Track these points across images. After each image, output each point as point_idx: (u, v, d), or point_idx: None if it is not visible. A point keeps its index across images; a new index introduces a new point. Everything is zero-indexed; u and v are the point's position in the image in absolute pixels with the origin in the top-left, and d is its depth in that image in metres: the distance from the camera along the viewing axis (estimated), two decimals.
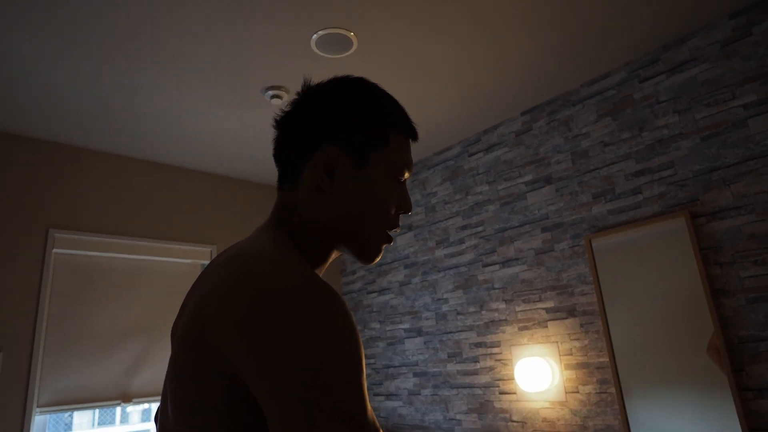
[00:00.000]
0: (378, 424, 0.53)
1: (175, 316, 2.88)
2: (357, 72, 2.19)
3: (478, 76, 2.31)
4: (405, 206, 0.75)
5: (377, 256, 0.74)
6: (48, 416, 2.25)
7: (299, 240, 0.71)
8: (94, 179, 2.71)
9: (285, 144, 0.73)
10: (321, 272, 0.76)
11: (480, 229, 2.78)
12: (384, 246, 0.75)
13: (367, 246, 0.72)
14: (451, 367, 2.78)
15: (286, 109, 0.76)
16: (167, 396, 0.63)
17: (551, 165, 2.51)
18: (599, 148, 2.33)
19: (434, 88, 2.39)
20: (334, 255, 0.76)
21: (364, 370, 0.54)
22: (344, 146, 0.70)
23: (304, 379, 0.48)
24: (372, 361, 3.26)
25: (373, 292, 3.36)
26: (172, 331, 0.73)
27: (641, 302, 2.06)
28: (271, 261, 0.57)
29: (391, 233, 0.78)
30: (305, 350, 0.49)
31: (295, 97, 0.76)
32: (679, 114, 2.09)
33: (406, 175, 0.77)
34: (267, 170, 3.23)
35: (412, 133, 0.77)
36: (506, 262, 2.62)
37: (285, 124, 0.73)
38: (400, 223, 0.80)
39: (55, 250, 2.52)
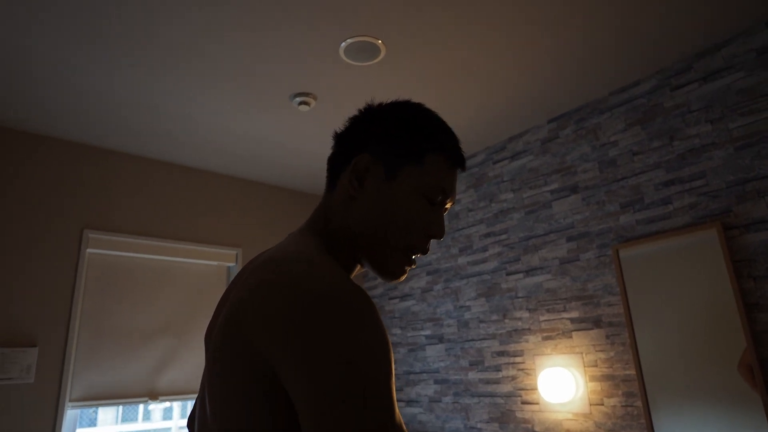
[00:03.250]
0: (405, 429, 0.53)
1: (201, 317, 2.93)
2: (384, 79, 2.22)
3: (506, 83, 2.31)
4: (434, 231, 0.72)
5: (398, 275, 0.73)
6: (79, 411, 2.34)
7: (330, 246, 0.73)
8: (126, 182, 2.80)
9: (334, 153, 0.77)
10: None
11: (504, 237, 2.77)
12: (407, 268, 0.73)
13: (385, 260, 0.71)
14: (473, 375, 2.77)
15: (345, 125, 0.80)
16: (204, 397, 0.65)
17: (578, 173, 2.48)
18: (628, 157, 2.30)
19: (461, 95, 2.39)
20: (358, 269, 0.77)
21: (393, 374, 0.55)
22: (380, 157, 0.72)
23: (336, 376, 0.50)
24: (393, 366, 3.26)
25: (395, 297, 3.36)
26: (206, 333, 0.76)
27: (669, 315, 2.01)
28: (308, 263, 0.59)
29: (423, 253, 0.77)
30: (339, 349, 0.51)
31: (355, 113, 0.79)
32: (711, 123, 2.04)
33: (448, 204, 0.76)
34: (294, 176, 3.28)
35: (454, 160, 0.75)
36: (530, 271, 2.60)
37: (339, 137, 0.78)
38: (428, 248, 0.79)
39: (89, 250, 2.60)
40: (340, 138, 0.77)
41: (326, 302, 0.53)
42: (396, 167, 0.71)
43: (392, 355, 0.56)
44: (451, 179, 0.74)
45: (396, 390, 3.20)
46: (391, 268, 0.72)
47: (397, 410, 0.53)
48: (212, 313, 2.96)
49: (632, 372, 2.12)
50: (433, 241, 3.17)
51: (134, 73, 2.08)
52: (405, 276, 0.74)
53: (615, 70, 2.23)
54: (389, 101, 0.85)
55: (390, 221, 0.70)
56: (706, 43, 2.06)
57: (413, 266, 0.75)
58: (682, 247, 2.02)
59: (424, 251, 0.73)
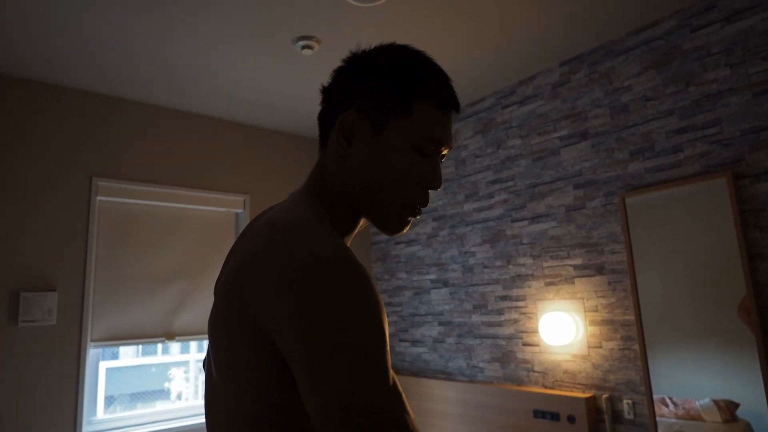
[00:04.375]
0: (400, 389, 0.56)
1: (212, 263, 3.01)
2: (389, 21, 2.13)
3: (516, 24, 2.20)
4: (428, 182, 0.70)
5: (400, 228, 0.71)
6: (101, 350, 2.47)
7: (329, 206, 0.72)
8: (133, 130, 2.78)
9: (322, 110, 0.75)
10: (350, 238, 0.76)
11: (510, 183, 2.76)
12: (409, 219, 0.71)
13: (385, 217, 0.70)
14: (476, 318, 2.86)
15: (330, 79, 0.77)
16: (209, 352, 0.69)
17: (588, 119, 2.43)
18: (641, 102, 2.23)
19: (469, 36, 2.30)
20: (363, 223, 0.76)
21: (387, 337, 0.56)
22: (365, 111, 0.69)
23: (329, 338, 0.52)
24: (398, 308, 3.37)
25: (401, 243, 3.41)
26: (215, 288, 0.79)
27: (672, 262, 2.04)
28: (303, 231, 0.60)
29: (422, 205, 0.74)
30: (331, 312, 0.53)
31: (340, 64, 0.76)
32: (731, 68, 1.96)
33: (444, 151, 0.72)
34: (299, 121, 3.24)
35: (445, 104, 0.70)
36: (536, 218, 2.61)
37: (324, 92, 0.75)
38: (427, 199, 0.76)
39: (99, 198, 2.63)
40: (325, 93, 0.74)
41: (318, 268, 0.55)
42: (382, 121, 0.68)
43: (385, 319, 0.57)
44: (444, 126, 0.70)
45: (401, 330, 3.32)
46: (392, 224, 0.70)
47: (390, 371, 0.55)
48: (223, 259, 3.04)
49: (631, 317, 2.18)
50: (439, 188, 3.16)
51: (140, 20, 2.01)
52: (408, 228, 0.73)
53: (633, 9, 2.12)
54: (374, 47, 0.80)
55: (381, 179, 0.68)
56: None
57: (417, 216, 0.72)
58: (689, 196, 2.01)
59: (424, 203, 0.70)
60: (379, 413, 0.51)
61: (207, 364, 0.72)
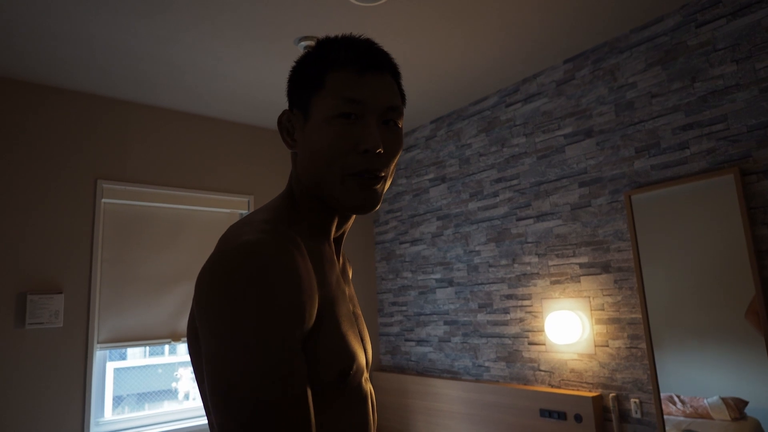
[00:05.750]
0: (304, 399, 0.54)
1: None
2: (391, 20, 2.12)
3: (520, 20, 2.19)
4: (362, 144, 0.66)
5: (360, 202, 0.67)
6: (108, 351, 2.48)
7: (300, 206, 0.73)
8: (137, 131, 2.79)
9: None
10: (331, 233, 0.74)
11: (515, 182, 2.75)
12: (371, 188, 0.68)
13: (335, 196, 0.68)
14: (482, 317, 2.85)
15: None
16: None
17: (593, 117, 2.41)
18: (646, 99, 2.22)
19: (472, 34, 2.29)
20: (340, 215, 0.74)
21: (292, 336, 0.54)
22: (294, 105, 0.73)
23: (223, 334, 0.53)
24: (404, 308, 3.37)
25: (406, 242, 3.41)
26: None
27: (680, 260, 2.02)
28: (244, 232, 0.61)
29: (369, 171, 0.69)
30: (227, 308, 0.54)
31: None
32: (737, 63, 1.94)
33: (380, 109, 0.68)
34: None
35: (355, 64, 0.68)
36: (541, 217, 2.60)
37: None
38: (375, 164, 0.69)
39: (103, 200, 2.65)
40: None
41: (228, 262, 0.56)
42: (306, 106, 0.70)
43: (293, 315, 0.55)
44: (366, 84, 0.67)
45: (407, 330, 3.32)
46: (343, 200, 0.67)
47: (291, 380, 0.53)
48: None
49: (638, 315, 2.17)
50: (443, 187, 3.16)
51: (144, 23, 2.02)
52: (376, 203, 0.69)
53: (638, 5, 2.10)
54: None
55: (315, 159, 0.68)
56: None
57: (374, 185, 0.68)
58: (696, 193, 1.99)
59: (367, 168, 0.66)
60: (255, 398, 0.51)
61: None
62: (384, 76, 0.70)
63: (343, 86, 0.67)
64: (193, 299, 0.60)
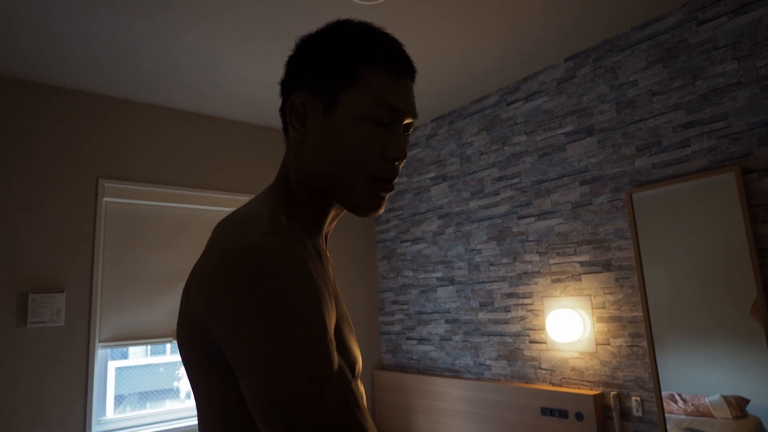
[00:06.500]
0: (348, 375, 0.54)
1: None
2: (393, 18, 2.12)
3: (521, 18, 2.19)
4: (391, 153, 0.64)
5: (372, 206, 0.66)
6: (109, 350, 2.49)
7: (290, 199, 0.69)
8: (139, 130, 2.79)
9: (281, 103, 0.73)
10: (324, 227, 0.72)
11: (516, 180, 2.75)
12: (383, 195, 0.67)
13: (353, 196, 0.66)
14: (483, 316, 2.85)
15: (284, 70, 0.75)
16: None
17: (594, 115, 2.41)
18: (647, 97, 2.21)
19: (473, 32, 2.29)
20: (335, 211, 0.73)
21: (327, 325, 0.54)
22: (314, 90, 0.66)
23: (262, 338, 0.51)
24: (405, 307, 3.37)
25: (407, 241, 3.41)
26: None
27: (681, 258, 2.02)
28: (243, 229, 0.59)
29: (392, 179, 0.69)
30: (262, 310, 0.52)
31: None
32: (738, 61, 1.94)
33: (407, 121, 0.67)
34: None
35: (394, 68, 0.65)
36: (542, 215, 2.60)
37: (281, 83, 0.72)
38: (395, 173, 0.68)
39: (105, 199, 2.65)
40: (282, 85, 0.71)
41: (245, 265, 0.54)
42: (332, 97, 0.64)
43: (323, 307, 0.55)
44: (400, 91, 0.65)
45: (408, 329, 3.32)
46: (359, 203, 0.66)
47: (334, 359, 0.53)
48: None
49: (639, 314, 2.17)
50: (444, 185, 3.16)
51: (147, 23, 2.02)
52: (382, 208, 0.68)
53: (638, 3, 2.10)
54: (321, 27, 0.75)
55: (340, 156, 0.64)
56: None
57: (390, 192, 0.67)
58: (697, 191, 1.99)
59: (392, 176, 0.65)
60: (315, 401, 0.49)
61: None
62: (411, 83, 0.68)
63: (381, 89, 0.64)
64: (201, 305, 0.57)
